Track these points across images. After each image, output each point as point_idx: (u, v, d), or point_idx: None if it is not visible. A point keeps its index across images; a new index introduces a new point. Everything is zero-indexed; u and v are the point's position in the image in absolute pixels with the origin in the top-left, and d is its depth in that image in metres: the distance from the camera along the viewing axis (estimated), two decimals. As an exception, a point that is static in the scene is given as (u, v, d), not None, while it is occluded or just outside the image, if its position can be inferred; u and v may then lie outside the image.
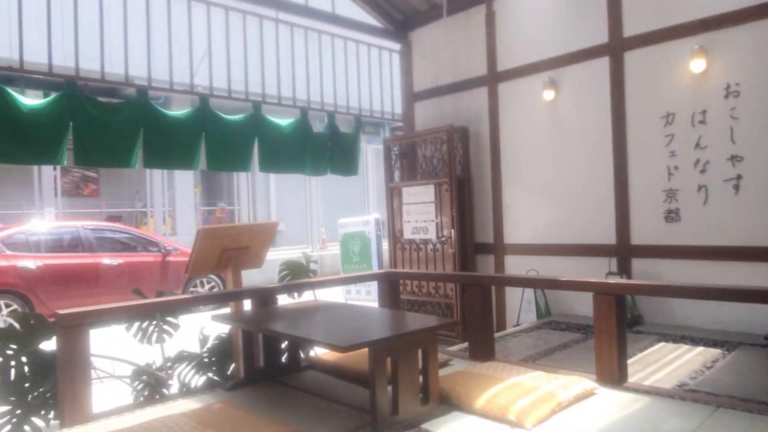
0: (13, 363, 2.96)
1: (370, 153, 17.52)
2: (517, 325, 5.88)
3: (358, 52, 7.09)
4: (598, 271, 5.40)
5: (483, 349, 3.87)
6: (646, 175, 5.22)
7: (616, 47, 5.37)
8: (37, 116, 4.32)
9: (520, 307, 6.01)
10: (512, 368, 3.13)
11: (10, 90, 4.25)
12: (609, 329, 3.23)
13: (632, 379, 3.33)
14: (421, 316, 3.91)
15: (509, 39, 6.26)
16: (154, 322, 3.57)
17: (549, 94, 5.83)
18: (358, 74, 7.09)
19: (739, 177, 4.67)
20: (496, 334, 5.17)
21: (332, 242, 15.23)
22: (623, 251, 5.38)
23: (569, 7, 5.75)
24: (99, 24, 4.87)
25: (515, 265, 6.25)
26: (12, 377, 2.95)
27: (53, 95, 4.52)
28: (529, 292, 5.90)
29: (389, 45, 7.54)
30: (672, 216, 5.07)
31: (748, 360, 4.03)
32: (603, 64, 5.47)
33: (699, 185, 4.89)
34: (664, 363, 4.05)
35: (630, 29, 5.29)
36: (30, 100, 4.42)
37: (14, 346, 2.96)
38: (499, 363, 3.35)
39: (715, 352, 4.24)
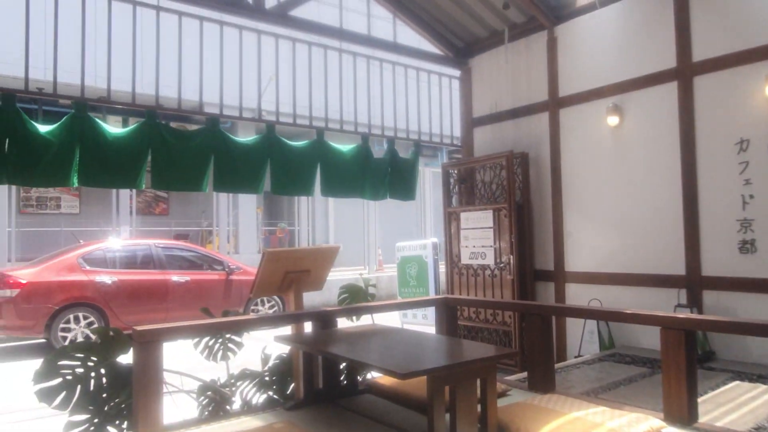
0: (92, 374, 3.16)
1: (428, 176, 17.59)
2: (579, 356, 5.71)
3: (418, 78, 7.21)
4: (666, 302, 5.19)
5: (543, 380, 3.79)
6: (719, 204, 5.00)
7: (685, 72, 5.23)
8: (121, 143, 4.66)
9: (581, 337, 5.83)
10: (573, 402, 3.06)
11: (98, 120, 4.61)
12: (678, 365, 3.10)
13: (703, 419, 3.17)
14: (479, 345, 3.89)
15: (571, 64, 6.21)
16: (220, 340, 3.72)
17: (613, 120, 5.72)
18: (417, 100, 7.20)
19: (822, 207, 4.41)
20: (557, 365, 5.04)
21: (389, 264, 15.32)
22: (693, 283, 5.15)
23: (635, 31, 5.65)
24: (177, 57, 5.22)
25: (577, 294, 6.09)
26: (91, 387, 3.14)
27: (133, 123, 4.87)
28: (592, 323, 5.72)
29: (449, 71, 7.63)
30: (747, 247, 4.82)
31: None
32: (671, 89, 5.33)
33: (777, 215, 4.64)
34: (739, 403, 3.82)
35: (700, 54, 5.13)
36: (113, 127, 4.78)
37: (95, 358, 3.17)
38: (560, 396, 3.28)
39: (799, 394, 3.96)
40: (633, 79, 5.61)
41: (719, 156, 5.00)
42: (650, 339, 5.26)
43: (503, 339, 6.44)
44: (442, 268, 7.70)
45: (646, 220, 5.52)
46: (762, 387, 4.17)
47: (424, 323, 8.05)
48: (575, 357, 5.74)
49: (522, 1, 6.16)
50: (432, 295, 7.84)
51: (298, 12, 6.01)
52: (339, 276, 12.86)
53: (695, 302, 5.10)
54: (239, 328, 3.65)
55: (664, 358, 3.17)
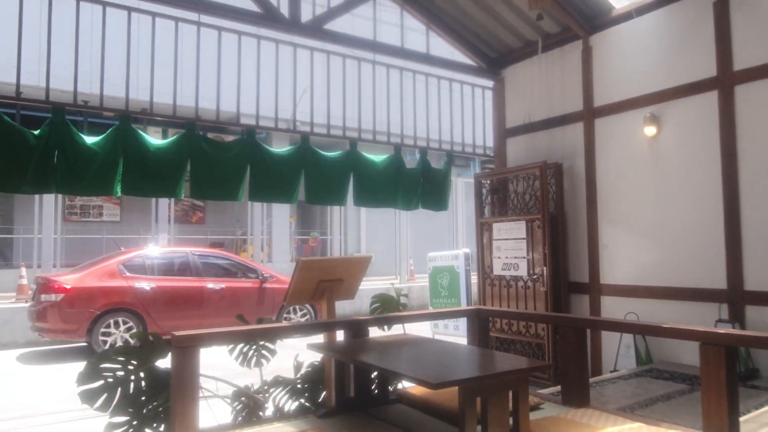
0: (132, 377, 3.26)
1: (460, 186, 17.52)
2: (615, 370, 5.58)
3: (450, 89, 7.23)
4: (706, 317, 5.04)
5: (577, 394, 3.72)
6: (762, 216, 4.85)
7: (725, 81, 5.10)
8: (162, 154, 4.82)
9: (617, 351, 5.71)
10: (609, 417, 3.00)
11: (140, 131, 4.78)
12: (718, 383, 3.01)
13: (745, 439, 3.07)
14: (511, 357, 3.86)
15: (607, 74, 6.13)
16: (254, 347, 3.79)
17: (650, 130, 5.62)
18: (450, 111, 7.22)
19: None
20: (591, 380, 4.94)
21: (420, 274, 15.28)
22: (735, 297, 4.99)
23: (673, 40, 5.55)
24: (216, 70, 5.38)
25: (612, 307, 5.97)
26: (131, 390, 3.25)
27: (172, 133, 5.03)
28: (628, 337, 5.60)
29: (482, 82, 7.62)
30: (793, 261, 4.66)
31: None
32: (711, 98, 5.21)
33: (825, 228, 4.47)
34: (785, 424, 3.68)
35: (741, 62, 5.01)
36: (154, 139, 4.96)
37: (135, 362, 3.27)
38: (595, 411, 3.22)
39: None
40: (671, 88, 5.51)
41: (762, 166, 4.85)
42: (690, 355, 5.11)
43: (536, 351, 6.35)
44: (474, 279, 7.66)
45: (685, 232, 5.39)
46: (809, 407, 4.00)
47: (455, 334, 8.00)
48: (611, 371, 5.61)
49: (556, 11, 6.13)
50: (464, 306, 7.79)
51: (333, 25, 6.12)
52: (370, 285, 12.90)
53: (737, 317, 4.94)
54: (273, 335, 3.72)
55: (704, 374, 3.08)
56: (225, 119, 5.95)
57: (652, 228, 5.66)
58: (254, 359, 3.81)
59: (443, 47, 7.32)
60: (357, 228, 18.84)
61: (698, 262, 5.27)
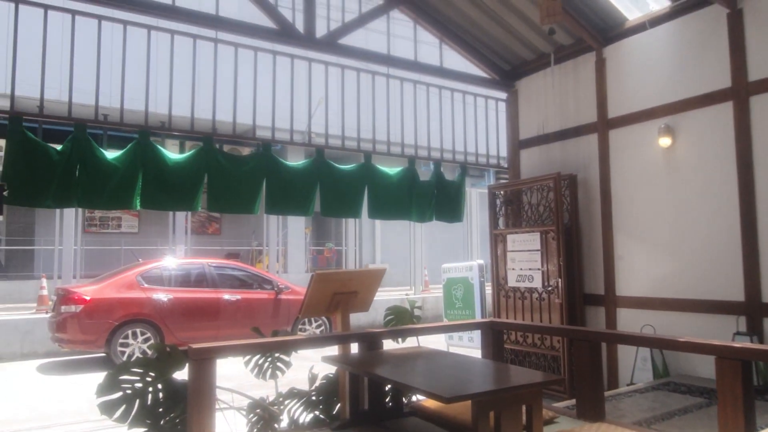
0: (150, 389, 3.32)
1: (474, 197, 17.50)
2: (631, 384, 5.53)
3: (464, 101, 7.28)
4: (724, 330, 4.98)
5: (592, 408, 3.71)
6: (780, 228, 4.80)
7: (740, 92, 5.08)
8: (179, 168, 4.92)
9: (634, 364, 5.65)
10: (624, 431, 2.99)
11: (159, 147, 4.90)
12: (734, 397, 2.99)
13: (764, 455, 3.03)
14: (525, 371, 3.85)
15: (621, 85, 6.13)
16: (269, 359, 3.83)
17: (665, 141, 5.60)
18: (464, 123, 7.26)
19: None
20: (607, 393, 4.90)
21: (435, 284, 15.26)
22: (753, 310, 4.93)
23: (687, 51, 5.54)
24: (233, 84, 5.50)
25: (628, 319, 5.92)
26: (149, 402, 3.30)
27: (190, 146, 5.14)
28: (645, 350, 5.54)
29: (495, 94, 7.66)
30: (812, 273, 4.59)
31: None
32: (726, 109, 5.18)
33: None
34: (807, 440, 3.61)
35: (756, 73, 4.99)
36: (172, 153, 5.06)
37: (152, 374, 3.33)
38: (610, 425, 3.21)
39: None
40: (685, 99, 5.49)
41: (780, 178, 4.81)
42: (707, 368, 5.04)
43: (551, 364, 6.31)
44: (489, 290, 7.64)
45: (702, 243, 5.34)
46: (831, 423, 3.93)
47: (470, 346, 7.97)
48: (627, 385, 5.56)
49: (569, 23, 6.16)
50: (478, 318, 7.78)
51: (347, 40, 6.21)
52: (385, 296, 12.92)
53: (755, 330, 4.87)
54: (288, 347, 3.76)
55: (720, 389, 3.06)
56: (241, 132, 6.06)
57: (668, 239, 5.62)
58: (269, 371, 3.84)
59: (457, 60, 7.38)
60: (372, 239, 18.90)
61: (715, 274, 5.22)
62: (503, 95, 7.63)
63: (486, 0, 6.33)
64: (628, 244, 6.00)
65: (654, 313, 5.67)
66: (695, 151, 5.44)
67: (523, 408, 2.67)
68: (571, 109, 6.66)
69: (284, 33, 5.76)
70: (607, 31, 6.25)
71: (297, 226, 16.62)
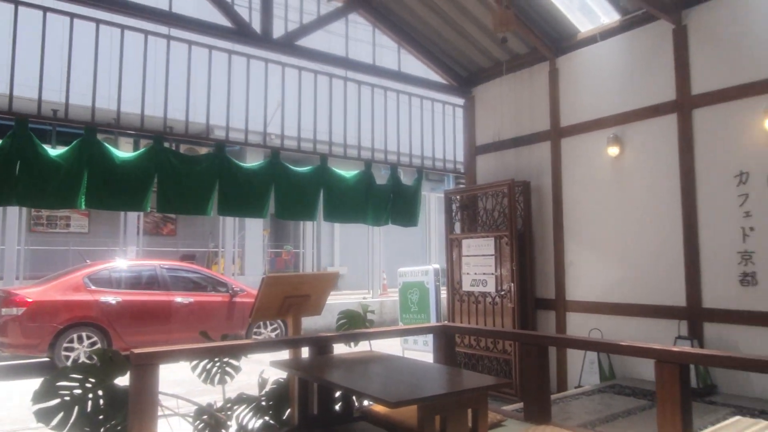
0: (90, 396, 3.19)
1: (433, 201, 17.64)
2: (579, 386, 5.67)
3: (422, 106, 7.32)
4: (667, 333, 5.17)
5: (539, 411, 3.77)
6: (719, 236, 5.01)
7: (684, 105, 5.29)
8: (128, 167, 4.77)
9: (582, 367, 5.79)
10: (567, 434, 3.05)
11: (106, 144, 4.73)
12: (672, 400, 3.10)
13: (699, 454, 3.14)
14: (474, 375, 3.90)
15: (573, 95, 6.30)
16: (218, 364, 3.75)
17: (614, 150, 5.78)
18: (421, 127, 7.29)
19: (821, 241, 4.41)
20: (555, 396, 5.01)
21: (393, 288, 15.29)
22: (694, 314, 5.13)
23: (634, 64, 5.74)
24: (186, 83, 5.37)
25: (578, 323, 6.07)
26: (88, 409, 3.17)
27: (144, 144, 4.98)
28: (593, 353, 5.69)
29: (453, 100, 7.75)
30: (748, 279, 4.82)
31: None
32: (671, 121, 5.39)
33: (777, 248, 4.64)
34: (739, 439, 3.78)
35: (699, 87, 5.21)
36: (121, 151, 4.90)
37: (93, 380, 3.21)
38: (555, 427, 3.27)
39: (798, 430, 3.91)
40: (633, 110, 5.69)
41: (719, 188, 5.03)
42: (651, 371, 5.21)
43: (504, 367, 6.41)
44: (445, 295, 7.71)
45: (647, 250, 5.53)
46: (763, 423, 4.10)
47: (425, 350, 8.02)
48: (575, 387, 5.70)
49: (524, 32, 6.29)
50: (433, 322, 7.83)
51: (305, 41, 6.16)
52: (343, 300, 12.86)
53: (696, 334, 5.07)
54: (236, 352, 3.68)
55: (659, 391, 3.17)
56: (196, 131, 5.94)
57: (616, 246, 5.80)
58: (218, 376, 3.76)
59: (415, 65, 7.43)
60: (330, 241, 18.78)
61: (659, 280, 5.41)
62: (461, 101, 7.72)
63: (444, 6, 6.41)
64: (577, 250, 6.16)
65: (602, 317, 5.83)
66: (641, 161, 5.63)
67: (469, 412, 2.69)
68: (526, 117, 6.79)
69: (240, 32, 5.67)
70: (560, 42, 6.41)
71: (255, 228, 16.36)
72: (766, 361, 3.09)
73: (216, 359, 3.72)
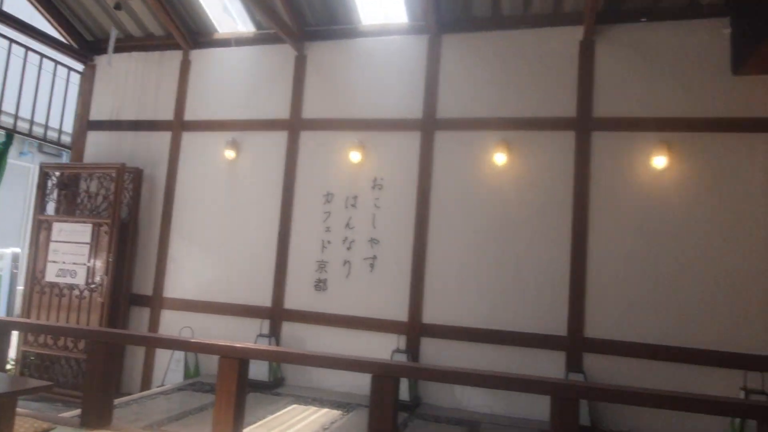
0: None
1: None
2: (162, 385, 5.51)
3: (26, 58, 6.08)
4: (254, 331, 5.52)
5: (98, 415, 3.48)
6: (304, 246, 5.66)
7: (294, 124, 5.84)
8: None
9: (168, 366, 5.67)
10: (116, 437, 2.85)
11: None
12: (229, 393, 3.26)
13: (245, 443, 3.37)
14: (15, 379, 3.33)
15: (201, 91, 6.24)
16: None
17: (230, 154, 5.94)
18: (20, 83, 6.04)
19: (374, 257, 5.44)
20: (130, 397, 4.76)
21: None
22: (276, 314, 5.63)
23: (260, 77, 6.05)
24: None
25: (171, 321, 5.95)
26: None
27: None
28: (180, 351, 5.62)
29: (70, 63, 6.72)
30: (320, 285, 5.57)
31: (362, 420, 4.50)
32: (283, 137, 5.85)
33: (344, 260, 5.51)
34: (289, 425, 4.25)
35: (308, 112, 5.82)
36: None
37: None
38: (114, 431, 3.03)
39: (337, 413, 4.65)
40: (251, 120, 5.97)
41: (310, 204, 5.69)
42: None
43: (83, 368, 5.74)
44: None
45: (246, 253, 5.83)
46: (313, 408, 4.76)
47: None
48: (158, 387, 5.52)
49: (161, 15, 5.94)
50: (1, 316, 6.50)
51: None
52: None
53: (275, 332, 5.57)
54: None
55: (219, 385, 3.30)
56: None
57: (219, 246, 5.93)
58: None
59: (25, 6, 6.16)
60: None
61: (252, 282, 5.76)
62: (80, 67, 6.76)
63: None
64: (182, 247, 6.06)
65: (196, 316, 5.86)
66: (253, 169, 5.94)
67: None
68: (150, 101, 6.39)
69: None
70: (197, 35, 6.30)
71: None
72: (316, 357, 3.54)
73: None
